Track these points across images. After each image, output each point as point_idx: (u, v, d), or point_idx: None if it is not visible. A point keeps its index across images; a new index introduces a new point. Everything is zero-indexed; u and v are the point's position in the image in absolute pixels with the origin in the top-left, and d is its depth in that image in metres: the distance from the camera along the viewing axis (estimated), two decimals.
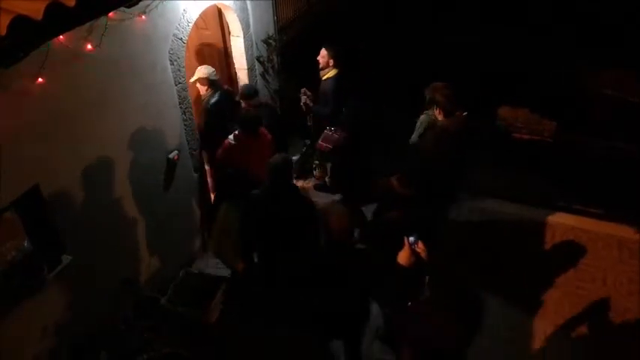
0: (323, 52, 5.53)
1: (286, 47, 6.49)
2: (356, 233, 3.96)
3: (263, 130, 5.01)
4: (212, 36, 6.01)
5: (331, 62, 5.52)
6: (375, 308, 4.78)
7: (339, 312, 3.71)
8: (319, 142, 5.73)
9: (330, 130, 5.72)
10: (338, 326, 3.89)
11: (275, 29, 6.29)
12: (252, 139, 4.85)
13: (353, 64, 7.12)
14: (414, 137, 4.98)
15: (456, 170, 4.62)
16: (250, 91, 5.40)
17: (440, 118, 4.52)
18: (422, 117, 4.98)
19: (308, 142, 6.54)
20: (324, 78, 5.62)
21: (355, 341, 4.05)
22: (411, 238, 3.36)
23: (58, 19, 2.78)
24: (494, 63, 7.20)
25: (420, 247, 3.29)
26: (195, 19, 4.80)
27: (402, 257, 3.24)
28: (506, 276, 5.11)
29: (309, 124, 6.01)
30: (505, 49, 7.32)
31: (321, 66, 5.61)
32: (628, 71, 6.79)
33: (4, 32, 2.51)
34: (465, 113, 4.54)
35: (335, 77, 5.55)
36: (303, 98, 5.76)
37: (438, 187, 4.42)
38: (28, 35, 2.72)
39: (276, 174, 3.95)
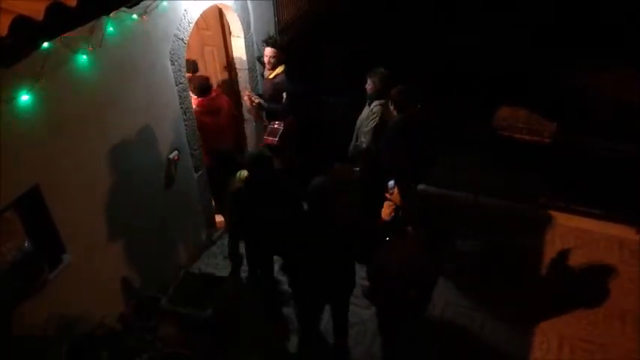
0: (267, 51, 5.53)
1: (287, 47, 6.48)
2: None
3: (216, 89, 5.48)
4: (213, 36, 6.01)
5: (272, 61, 5.53)
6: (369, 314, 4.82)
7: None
8: (265, 137, 5.68)
9: (274, 124, 5.68)
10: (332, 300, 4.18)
11: (276, 29, 6.28)
12: (209, 100, 5.27)
13: (354, 64, 7.14)
14: (370, 126, 5.06)
15: (417, 162, 4.85)
16: (191, 65, 5.60)
17: (394, 112, 4.90)
18: (375, 108, 5.06)
19: None
20: (271, 76, 5.62)
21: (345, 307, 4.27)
22: (390, 183, 4.02)
23: (59, 19, 2.78)
24: (495, 63, 7.20)
25: (395, 193, 3.97)
26: (196, 20, 4.80)
27: (385, 213, 3.97)
28: (506, 276, 5.11)
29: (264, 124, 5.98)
30: (506, 49, 7.32)
31: (267, 66, 5.64)
32: (628, 71, 6.79)
33: (5, 32, 2.51)
34: (418, 106, 4.88)
35: (284, 73, 5.58)
36: (255, 99, 5.71)
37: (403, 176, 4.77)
38: (29, 35, 2.72)
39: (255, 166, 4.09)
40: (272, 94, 5.62)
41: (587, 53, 7.05)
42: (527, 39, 7.41)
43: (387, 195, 4.14)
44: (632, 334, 4.61)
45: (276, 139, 5.55)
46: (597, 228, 5.63)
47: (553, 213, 5.86)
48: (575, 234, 5.59)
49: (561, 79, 7.03)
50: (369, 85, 5.12)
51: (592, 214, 5.74)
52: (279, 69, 5.55)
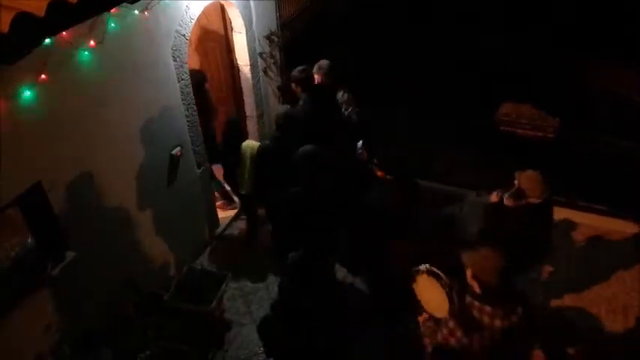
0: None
1: (289, 43, 6.47)
2: None
3: None
4: (214, 32, 6.00)
5: None
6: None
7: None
8: None
9: None
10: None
11: (277, 25, 6.27)
12: None
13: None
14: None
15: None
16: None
17: (299, 92, 5.20)
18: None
19: None
20: None
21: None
22: (359, 144, 4.65)
23: (61, 16, 2.78)
24: (498, 62, 7.19)
25: (364, 154, 4.66)
26: (197, 16, 4.79)
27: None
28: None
29: None
30: (510, 49, 7.31)
31: None
32: (633, 69, 6.76)
33: (6, 29, 2.51)
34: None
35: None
36: None
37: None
38: (30, 32, 2.72)
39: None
40: None
41: (591, 51, 7.01)
42: (531, 38, 7.38)
43: (358, 155, 4.84)
44: (635, 329, 4.61)
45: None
46: (601, 223, 5.62)
47: (556, 209, 5.83)
48: (579, 230, 5.58)
49: (565, 76, 7.00)
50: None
51: (596, 209, 5.73)
52: None
